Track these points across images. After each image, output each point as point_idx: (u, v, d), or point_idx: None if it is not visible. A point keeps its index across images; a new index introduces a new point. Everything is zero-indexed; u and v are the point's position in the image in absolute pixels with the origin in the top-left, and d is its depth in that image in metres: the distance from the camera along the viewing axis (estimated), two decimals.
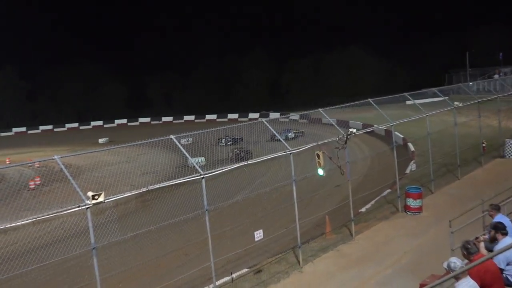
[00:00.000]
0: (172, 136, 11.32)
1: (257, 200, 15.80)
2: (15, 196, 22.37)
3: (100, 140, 55.47)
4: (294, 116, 28.76)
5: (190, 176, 11.06)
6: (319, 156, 13.02)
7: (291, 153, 12.94)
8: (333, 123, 15.23)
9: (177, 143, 11.31)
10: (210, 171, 11.28)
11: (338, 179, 16.58)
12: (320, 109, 14.95)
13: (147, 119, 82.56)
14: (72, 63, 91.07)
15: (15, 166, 18.48)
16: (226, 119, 72.98)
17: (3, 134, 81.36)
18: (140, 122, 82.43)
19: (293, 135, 19.91)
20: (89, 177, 21.25)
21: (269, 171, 17.18)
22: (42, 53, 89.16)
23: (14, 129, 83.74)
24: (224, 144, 25.18)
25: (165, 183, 10.71)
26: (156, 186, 10.59)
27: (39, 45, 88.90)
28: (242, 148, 23.52)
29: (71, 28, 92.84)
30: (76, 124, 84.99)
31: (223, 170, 11.51)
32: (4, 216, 17.83)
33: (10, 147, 56.24)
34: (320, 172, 13.05)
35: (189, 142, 13.04)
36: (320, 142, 13.37)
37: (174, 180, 10.82)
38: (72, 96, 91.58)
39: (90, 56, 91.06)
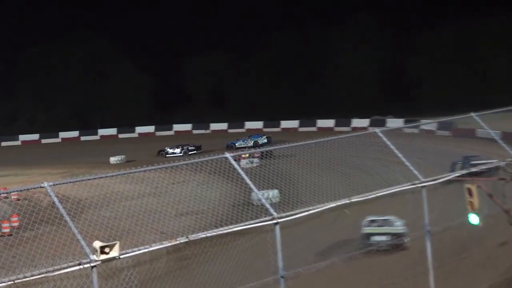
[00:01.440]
0: (227, 155, 11.71)
1: (365, 263, 15.73)
2: None
3: (113, 159, 58.11)
4: (427, 124, 28.33)
5: (257, 221, 11.33)
6: (471, 192, 12.93)
7: (423, 185, 12.93)
8: (496, 137, 15.06)
9: (236, 165, 11.68)
10: (288, 213, 11.49)
11: (503, 232, 16.38)
12: (472, 114, 14.77)
13: (186, 126, 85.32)
14: (67, 38, 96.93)
15: None
16: (314, 128, 73.37)
17: None
18: (175, 131, 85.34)
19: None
20: (96, 217, 22.18)
21: (384, 213, 16.99)
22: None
23: None
24: None
25: (214, 230, 11.02)
26: (201, 235, 10.90)
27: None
28: None
29: None
30: (75, 133, 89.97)
31: (309, 211, 11.72)
32: None
33: None
34: (474, 219, 13.04)
35: (254, 164, 13.40)
36: (475, 168, 13.13)
37: (230, 227, 11.12)
38: (68, 89, 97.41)
39: (95, 27, 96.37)
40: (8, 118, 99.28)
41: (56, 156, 66.01)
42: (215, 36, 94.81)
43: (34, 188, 11.37)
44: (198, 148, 64.79)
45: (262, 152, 14.90)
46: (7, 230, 27.45)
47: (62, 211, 10.29)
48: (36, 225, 26.50)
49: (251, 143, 64.90)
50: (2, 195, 37.41)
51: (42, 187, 10.58)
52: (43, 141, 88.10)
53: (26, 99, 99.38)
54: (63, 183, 12.07)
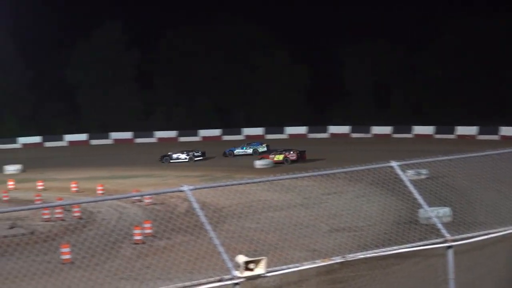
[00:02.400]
0: (394, 163, 11.61)
1: None
2: (110, 252, 25.50)
3: (258, 163, 59.15)
4: None
5: (425, 242, 11.23)
6: None
7: None
8: None
9: (403, 176, 11.55)
10: (464, 235, 11.31)
11: None
12: None
13: (343, 128, 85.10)
14: (211, 23, 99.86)
15: (113, 199, 20.86)
16: (496, 136, 70.69)
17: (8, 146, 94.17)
18: (331, 133, 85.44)
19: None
20: (237, 228, 22.74)
21: None
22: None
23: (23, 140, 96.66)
24: None
25: (375, 251, 11.03)
26: (360, 255, 10.94)
27: None
28: None
29: None
30: (216, 131, 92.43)
31: (489, 235, 11.42)
32: (89, 285, 20.54)
33: (75, 166, 64.30)
34: None
35: (423, 176, 13.20)
36: None
37: (393, 248, 11.09)
38: (210, 81, 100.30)
39: (243, 12, 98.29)
40: (145, 112, 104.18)
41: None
42: (376, 24, 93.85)
43: (172, 192, 11.60)
44: (203, 154, 68.30)
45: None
46: (138, 238, 28.67)
47: (203, 219, 10.51)
48: (170, 233, 27.72)
49: (250, 151, 69.34)
50: (135, 198, 39.34)
51: (181, 191, 10.77)
52: (181, 139, 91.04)
53: (163, 92, 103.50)
54: (204, 188, 12.35)
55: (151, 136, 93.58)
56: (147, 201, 39.43)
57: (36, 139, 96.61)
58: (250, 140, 76.86)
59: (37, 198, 42.22)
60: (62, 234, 31.33)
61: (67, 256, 25.21)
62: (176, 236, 26.33)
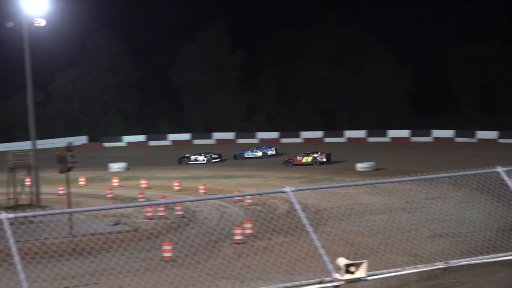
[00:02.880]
0: (499, 169, 11.38)
1: None
2: (212, 251, 25.89)
3: (360, 166, 58.91)
4: None
5: None
6: None
7: None
8: None
9: (508, 181, 11.32)
10: None
11: None
12: None
13: (447, 133, 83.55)
14: (317, 24, 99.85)
15: (215, 199, 21.13)
16: None
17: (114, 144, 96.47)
18: (434, 137, 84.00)
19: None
20: (338, 230, 22.73)
21: None
22: None
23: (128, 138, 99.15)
24: None
25: (479, 258, 10.81)
26: (463, 261, 10.80)
27: None
28: None
29: None
30: (318, 133, 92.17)
31: None
32: (190, 283, 20.93)
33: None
34: None
35: None
36: None
37: (498, 255, 10.91)
38: (313, 83, 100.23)
39: (348, 12, 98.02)
40: (247, 112, 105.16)
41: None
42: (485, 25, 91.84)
43: (274, 193, 11.68)
44: (219, 156, 71.58)
45: None
46: (238, 237, 28.98)
47: (305, 220, 10.55)
48: (272, 233, 27.91)
49: (259, 154, 73.20)
50: (237, 198, 39.77)
51: (283, 192, 10.85)
52: (282, 140, 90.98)
53: (267, 93, 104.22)
54: (306, 189, 12.42)
55: (253, 137, 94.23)
56: (248, 201, 39.77)
57: (141, 138, 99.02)
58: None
59: (141, 196, 43.21)
60: (165, 232, 31.96)
61: (168, 254, 25.68)
62: (277, 237, 26.52)
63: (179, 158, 71.23)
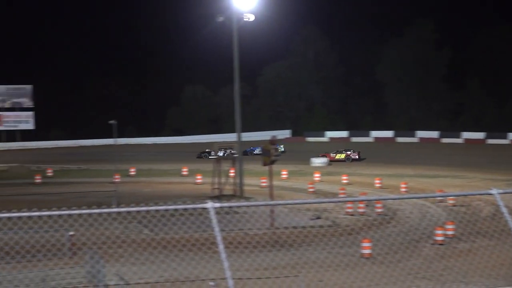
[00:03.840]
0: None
1: None
2: (413, 251, 25.64)
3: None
4: None
5: None
6: None
7: None
8: None
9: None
10: None
11: None
12: None
13: None
14: None
15: (416, 198, 21.03)
16: None
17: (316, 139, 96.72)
18: None
19: None
20: None
21: None
22: None
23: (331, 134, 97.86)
24: None
25: None
26: None
27: None
28: None
29: None
30: None
31: None
32: (390, 281, 20.86)
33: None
34: None
35: None
36: None
37: None
38: None
39: None
40: (453, 112, 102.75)
41: (503, 161, 65.55)
42: None
43: (480, 195, 11.46)
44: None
45: None
46: (440, 238, 28.49)
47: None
48: (473, 236, 27.21)
49: None
50: (439, 198, 39.02)
51: (490, 194, 10.59)
52: (489, 141, 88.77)
53: (474, 93, 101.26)
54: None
55: (457, 136, 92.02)
56: (451, 202, 38.98)
57: (343, 133, 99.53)
58: None
59: (341, 191, 43.45)
60: (366, 228, 32.03)
61: (368, 251, 25.72)
62: (481, 240, 25.89)
63: (199, 153, 76.80)
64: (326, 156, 66.96)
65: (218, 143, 52.25)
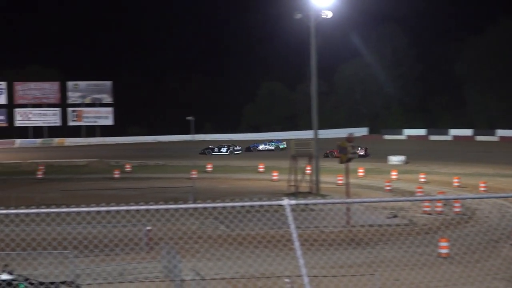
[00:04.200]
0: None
1: None
2: (492, 251, 25.05)
3: None
4: None
5: None
6: None
7: None
8: None
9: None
10: None
11: None
12: None
13: None
14: None
15: (495, 198, 20.73)
16: None
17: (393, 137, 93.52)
18: None
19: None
20: None
21: None
22: None
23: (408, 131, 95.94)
24: None
25: None
26: None
27: None
28: None
29: None
30: None
31: None
32: (468, 282, 20.53)
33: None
34: None
35: None
36: None
37: None
38: None
39: None
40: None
41: None
42: None
43: None
44: (241, 149, 79.47)
45: None
46: None
47: None
48: None
49: (272, 147, 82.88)
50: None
51: None
52: None
53: None
54: None
55: None
56: None
57: (421, 131, 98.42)
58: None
59: (419, 190, 42.93)
60: (443, 228, 31.54)
61: (445, 251, 25.32)
62: None
63: (202, 149, 78.37)
64: (334, 152, 65.38)
65: (295, 140, 52.15)
